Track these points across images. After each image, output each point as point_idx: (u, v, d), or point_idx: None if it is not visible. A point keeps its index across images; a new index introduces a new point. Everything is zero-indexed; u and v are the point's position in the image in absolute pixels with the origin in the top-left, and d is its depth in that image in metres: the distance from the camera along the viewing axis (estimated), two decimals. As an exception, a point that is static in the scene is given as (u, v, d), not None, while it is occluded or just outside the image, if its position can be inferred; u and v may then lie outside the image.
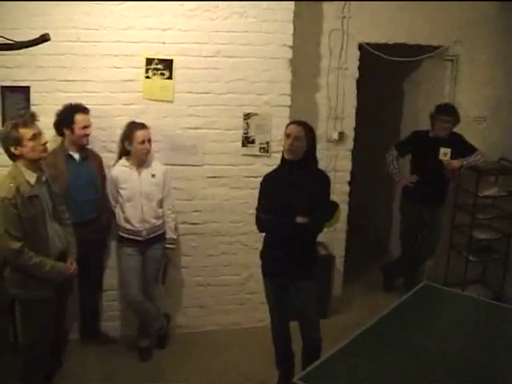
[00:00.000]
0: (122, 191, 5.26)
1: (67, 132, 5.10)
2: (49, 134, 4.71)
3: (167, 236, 5.47)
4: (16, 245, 4.04)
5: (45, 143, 4.24)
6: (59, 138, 5.18)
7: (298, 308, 4.67)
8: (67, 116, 5.07)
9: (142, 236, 5.31)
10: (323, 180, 4.59)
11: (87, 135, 5.17)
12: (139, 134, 5.14)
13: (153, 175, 5.29)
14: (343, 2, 6.12)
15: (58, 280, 4.34)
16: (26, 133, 4.06)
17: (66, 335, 5.07)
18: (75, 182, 5.07)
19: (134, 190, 5.24)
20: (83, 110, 5.12)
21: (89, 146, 5.30)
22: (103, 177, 5.38)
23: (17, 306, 4.63)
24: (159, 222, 5.39)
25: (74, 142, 5.13)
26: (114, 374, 5.27)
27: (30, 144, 4.08)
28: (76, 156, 5.18)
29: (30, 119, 4.15)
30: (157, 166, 5.37)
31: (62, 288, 4.46)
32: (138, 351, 5.56)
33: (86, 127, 5.12)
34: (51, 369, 4.80)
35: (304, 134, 4.44)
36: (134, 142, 5.15)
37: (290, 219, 4.37)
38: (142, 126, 5.19)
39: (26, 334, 4.47)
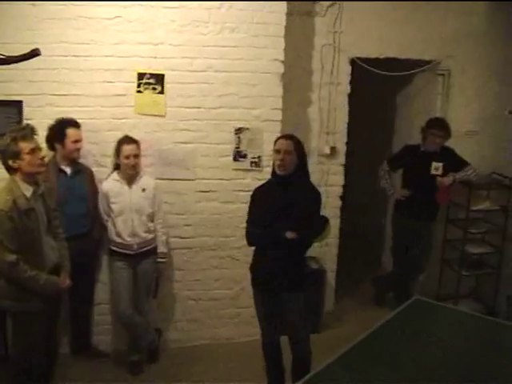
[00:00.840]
0: (112, 205, 5.26)
1: (58, 146, 5.12)
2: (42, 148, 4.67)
3: (158, 250, 5.46)
4: (11, 257, 4.03)
5: (42, 158, 4.24)
6: (51, 153, 5.18)
7: (287, 320, 4.66)
8: (59, 130, 5.09)
9: (133, 250, 5.30)
10: (313, 195, 4.59)
11: (78, 149, 5.19)
12: (125, 149, 5.15)
13: (143, 189, 5.29)
14: (334, 17, 6.15)
15: (51, 293, 4.33)
16: (24, 147, 4.07)
17: (56, 349, 5.04)
18: (66, 195, 5.06)
19: (125, 204, 5.24)
20: (74, 124, 5.15)
21: (81, 160, 5.32)
22: (95, 190, 5.38)
23: (8, 318, 4.61)
24: (150, 236, 5.38)
25: (65, 156, 5.14)
26: (104, 388, 5.26)
27: (28, 158, 4.08)
28: (67, 170, 5.19)
29: (30, 133, 4.15)
30: (147, 181, 5.36)
31: (54, 301, 4.44)
32: (129, 365, 5.54)
33: (77, 141, 5.14)
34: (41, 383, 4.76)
35: (293, 148, 4.45)
36: (120, 156, 5.17)
37: (278, 233, 4.38)
38: (130, 141, 5.20)
39: (16, 346, 4.45)
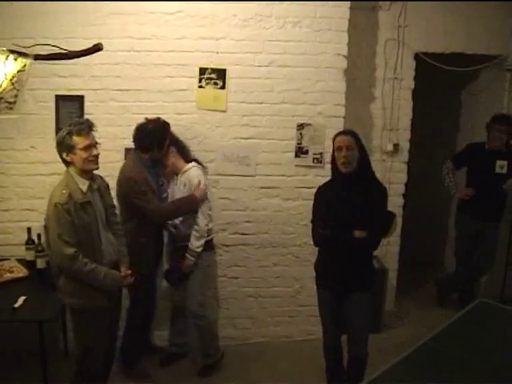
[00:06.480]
0: None
1: (156, 151, 5.02)
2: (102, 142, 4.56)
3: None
4: (70, 250, 3.98)
5: (96, 155, 4.16)
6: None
7: (350, 320, 4.57)
8: (162, 136, 5.02)
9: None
10: (380, 191, 4.49)
11: None
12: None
13: (184, 184, 5.13)
14: (399, 12, 6.03)
15: (113, 289, 4.30)
16: (79, 141, 4.02)
17: (115, 346, 5.02)
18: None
19: (171, 195, 5.24)
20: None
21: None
22: None
23: (68, 314, 4.59)
24: (189, 231, 5.14)
25: (155, 159, 5.08)
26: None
27: (81, 154, 4.03)
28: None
29: (87, 129, 4.09)
30: (190, 174, 5.14)
31: (115, 299, 4.43)
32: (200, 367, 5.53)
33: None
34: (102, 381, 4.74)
35: (355, 143, 4.34)
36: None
37: (347, 234, 4.29)
38: None
39: (79, 344, 4.36)
